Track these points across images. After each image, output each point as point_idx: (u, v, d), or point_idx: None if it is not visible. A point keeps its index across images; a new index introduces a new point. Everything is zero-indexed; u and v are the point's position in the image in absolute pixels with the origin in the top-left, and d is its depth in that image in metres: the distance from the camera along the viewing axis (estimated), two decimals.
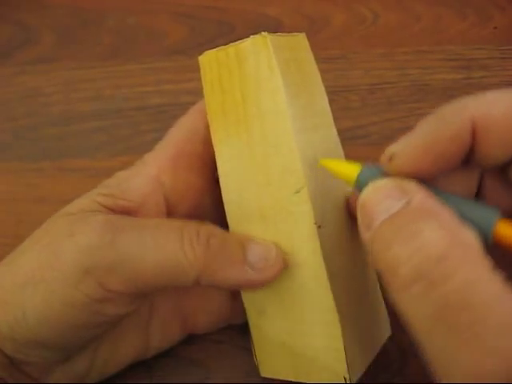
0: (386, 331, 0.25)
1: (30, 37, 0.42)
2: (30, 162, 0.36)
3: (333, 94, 0.37)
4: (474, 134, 0.18)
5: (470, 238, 0.16)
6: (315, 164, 0.22)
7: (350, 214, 0.24)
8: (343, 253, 0.23)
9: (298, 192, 0.21)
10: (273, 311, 0.23)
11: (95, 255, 0.21)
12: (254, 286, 0.22)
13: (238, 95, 0.23)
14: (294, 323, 0.23)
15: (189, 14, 0.43)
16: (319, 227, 0.21)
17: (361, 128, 0.36)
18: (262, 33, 0.22)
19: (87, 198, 0.24)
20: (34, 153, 0.37)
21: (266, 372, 0.24)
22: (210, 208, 0.23)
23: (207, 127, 0.24)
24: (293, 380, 0.23)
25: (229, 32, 0.41)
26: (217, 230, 0.23)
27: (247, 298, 0.24)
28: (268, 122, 0.22)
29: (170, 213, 0.25)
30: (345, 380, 0.22)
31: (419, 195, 0.17)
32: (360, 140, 0.35)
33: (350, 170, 0.20)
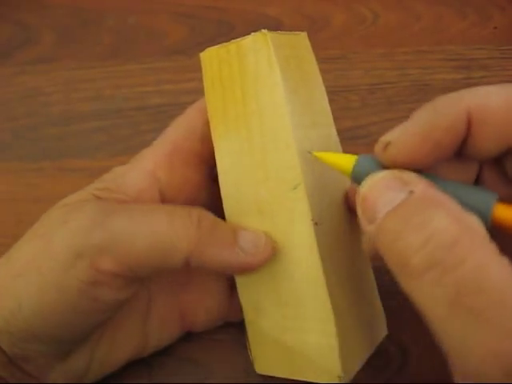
0: (382, 330, 0.25)
1: (30, 37, 0.42)
2: (30, 162, 0.36)
3: (333, 94, 0.37)
4: (469, 125, 0.18)
5: (475, 224, 0.16)
6: (313, 160, 0.22)
7: (349, 209, 0.24)
8: (340, 250, 0.23)
9: (295, 188, 0.22)
10: (268, 308, 0.23)
11: (86, 237, 0.21)
12: (245, 269, 0.22)
13: (237, 91, 0.23)
14: (289, 320, 0.23)
15: (189, 13, 0.43)
16: (316, 224, 0.21)
17: (361, 128, 0.36)
18: (263, 30, 0.22)
19: (83, 192, 0.24)
20: (33, 153, 0.37)
21: (261, 368, 0.25)
22: (206, 204, 0.23)
23: (205, 124, 0.24)
24: (287, 377, 0.24)
25: (229, 32, 0.41)
26: (209, 214, 0.23)
27: (243, 294, 0.24)
28: (267, 118, 0.22)
29: None
30: (339, 378, 0.22)
31: (421, 185, 0.17)
32: (360, 140, 0.35)
33: (346, 161, 0.20)
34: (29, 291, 0.21)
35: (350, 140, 0.35)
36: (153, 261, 0.22)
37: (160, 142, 0.26)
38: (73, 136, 0.37)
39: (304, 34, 0.25)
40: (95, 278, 0.21)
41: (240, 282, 0.24)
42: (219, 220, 0.23)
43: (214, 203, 0.24)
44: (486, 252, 0.15)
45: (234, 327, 0.28)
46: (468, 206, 0.17)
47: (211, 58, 0.24)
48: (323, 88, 0.25)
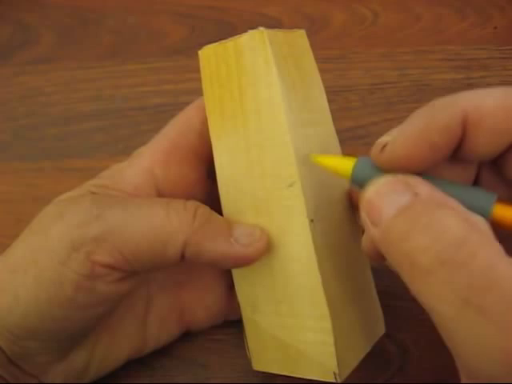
0: (379, 329, 0.25)
1: (29, 37, 0.42)
2: (30, 162, 0.36)
3: (333, 94, 0.37)
4: (464, 126, 0.18)
5: (482, 224, 0.16)
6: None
7: (350, 207, 0.24)
8: (338, 248, 0.23)
9: (290, 186, 0.22)
10: (265, 304, 0.24)
11: (82, 229, 0.21)
12: (240, 260, 0.23)
13: (235, 89, 0.23)
14: (286, 317, 0.23)
15: (189, 14, 0.43)
16: (312, 221, 0.22)
17: (361, 128, 0.36)
18: (260, 28, 0.22)
19: (80, 189, 0.24)
20: (34, 153, 0.37)
21: (258, 365, 0.25)
22: (204, 201, 0.24)
23: (203, 122, 0.25)
24: (284, 374, 0.24)
25: (229, 32, 0.41)
26: (204, 206, 0.23)
27: (241, 291, 0.25)
28: (264, 116, 0.22)
29: None
30: (334, 374, 0.22)
31: (426, 188, 0.17)
32: (360, 140, 0.35)
33: (344, 165, 0.20)
34: (26, 285, 0.21)
35: (349, 140, 0.35)
36: (149, 253, 0.22)
37: (157, 139, 0.26)
38: (73, 136, 0.37)
39: (302, 32, 0.25)
40: (92, 270, 0.21)
41: (237, 278, 0.25)
42: (214, 213, 0.23)
43: (211, 200, 0.24)
44: (494, 251, 0.15)
45: (233, 327, 0.28)
46: (467, 206, 0.17)
47: (209, 55, 0.24)
48: (322, 86, 0.25)
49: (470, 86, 0.37)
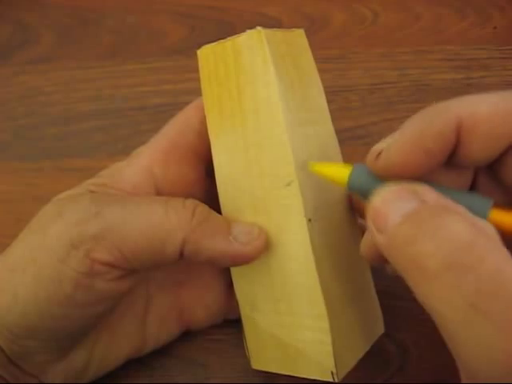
0: (379, 329, 0.26)
1: (29, 37, 0.42)
2: (30, 162, 0.36)
3: (332, 94, 0.37)
4: (459, 132, 0.18)
5: (489, 229, 0.16)
6: (308, 158, 0.22)
7: (350, 208, 0.24)
8: (336, 248, 0.23)
9: (288, 185, 0.22)
10: (264, 303, 0.24)
11: (81, 227, 0.21)
12: (238, 258, 0.23)
13: (233, 88, 0.23)
14: (284, 316, 0.23)
15: (189, 13, 0.43)
16: (309, 221, 0.22)
17: (361, 128, 0.36)
18: (258, 27, 0.22)
19: (79, 188, 0.24)
20: (33, 153, 0.37)
21: (257, 364, 0.25)
22: (203, 200, 0.24)
23: (202, 122, 0.25)
24: (283, 373, 0.24)
25: (229, 32, 0.41)
26: (203, 205, 0.23)
27: (239, 289, 0.25)
28: (262, 115, 0.22)
29: None
30: (332, 374, 0.22)
31: (433, 194, 0.17)
32: (360, 140, 0.35)
33: (341, 173, 0.21)
34: (25, 283, 0.21)
35: (349, 140, 0.35)
36: (148, 251, 0.22)
37: (157, 138, 0.26)
38: (73, 136, 0.37)
39: (301, 31, 0.25)
40: (90, 268, 0.21)
41: (236, 277, 0.25)
42: (213, 211, 0.23)
43: (210, 200, 0.24)
44: (502, 256, 0.15)
45: (233, 327, 0.28)
46: None
47: (208, 55, 0.24)
48: (320, 85, 0.25)
49: (469, 86, 0.37)
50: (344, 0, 0.42)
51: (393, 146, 0.19)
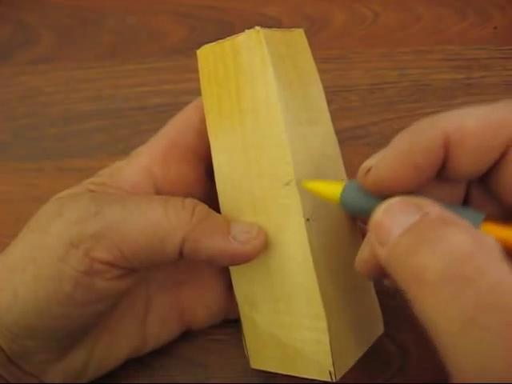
0: (378, 329, 0.26)
1: (30, 37, 0.42)
2: (30, 162, 0.36)
3: (333, 94, 0.37)
4: (447, 146, 0.18)
5: (491, 242, 0.16)
6: (307, 157, 0.22)
7: None
8: (335, 248, 0.23)
9: (287, 184, 0.22)
10: (263, 303, 0.24)
11: (81, 226, 0.21)
12: (238, 257, 0.23)
13: (232, 88, 0.23)
14: (283, 315, 0.23)
15: (189, 13, 0.43)
16: (308, 220, 0.22)
17: (361, 128, 0.36)
18: (256, 27, 0.22)
19: (78, 187, 0.24)
20: (34, 153, 0.37)
21: (256, 364, 0.25)
22: (202, 200, 0.24)
23: (201, 121, 0.25)
24: (282, 372, 0.24)
25: (229, 32, 0.41)
26: (202, 204, 0.23)
27: (238, 289, 0.25)
28: (261, 115, 0.22)
29: None
30: (330, 373, 0.22)
31: (436, 207, 0.17)
32: (360, 140, 0.35)
33: (333, 190, 0.21)
34: (25, 282, 0.21)
35: (349, 140, 0.35)
36: (147, 250, 0.22)
37: (156, 138, 0.26)
38: (73, 136, 0.37)
39: (300, 31, 0.25)
40: (90, 267, 0.21)
41: (235, 276, 0.25)
42: (212, 211, 0.23)
43: (210, 200, 0.24)
44: (503, 269, 0.15)
45: (233, 327, 0.28)
46: None
47: (207, 55, 0.24)
48: (320, 85, 0.25)
49: (469, 86, 0.37)
50: (344, 0, 0.42)
51: (382, 162, 0.19)
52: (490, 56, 0.39)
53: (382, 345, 0.27)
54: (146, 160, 0.25)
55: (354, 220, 0.25)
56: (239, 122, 0.23)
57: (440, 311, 0.15)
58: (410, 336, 0.28)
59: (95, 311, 0.23)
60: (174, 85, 0.39)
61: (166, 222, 0.22)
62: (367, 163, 0.20)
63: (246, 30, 0.22)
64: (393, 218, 0.17)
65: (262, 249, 0.22)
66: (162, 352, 0.27)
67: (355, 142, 0.35)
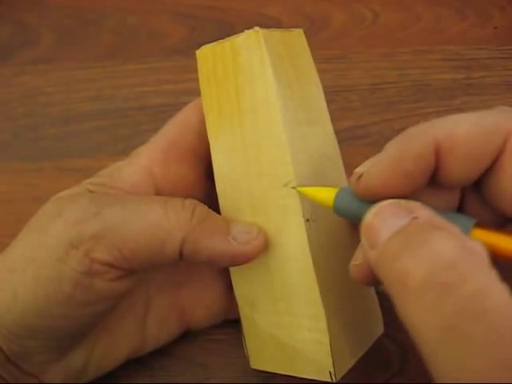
0: (378, 329, 0.26)
1: (30, 37, 0.42)
2: (30, 162, 0.36)
3: (333, 94, 0.37)
4: (438, 153, 0.18)
5: (478, 248, 0.16)
6: (307, 158, 0.22)
7: None
8: (335, 248, 0.23)
9: (286, 185, 0.22)
10: (263, 303, 0.24)
11: (81, 227, 0.21)
12: (237, 258, 0.23)
13: (231, 88, 0.23)
14: (283, 315, 0.23)
15: (189, 14, 0.43)
16: (307, 221, 0.22)
17: (361, 128, 0.36)
18: (255, 27, 0.22)
19: (78, 187, 0.24)
20: (33, 153, 0.37)
21: (256, 364, 0.25)
22: (202, 201, 0.24)
23: (201, 121, 0.25)
24: (282, 373, 0.24)
25: (229, 32, 0.41)
26: (202, 205, 0.23)
27: (238, 289, 0.25)
28: (260, 115, 0.22)
29: None
30: (330, 374, 0.22)
31: (425, 212, 0.17)
32: (360, 140, 0.35)
33: (327, 196, 0.21)
34: (24, 282, 0.21)
35: (349, 140, 0.35)
36: (147, 250, 0.22)
37: (156, 138, 0.26)
38: (73, 136, 0.37)
39: (299, 31, 0.25)
40: (90, 267, 0.21)
41: (235, 277, 0.25)
42: (212, 211, 0.23)
43: (209, 200, 0.24)
44: (487, 277, 0.15)
45: (233, 327, 0.28)
46: None
47: (207, 55, 0.24)
48: (319, 85, 0.25)
49: (469, 86, 0.37)
50: (344, 0, 0.42)
51: (373, 169, 0.19)
52: (490, 56, 0.39)
53: (382, 345, 0.27)
54: (146, 160, 0.25)
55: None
56: (238, 123, 0.23)
57: (421, 318, 0.15)
58: (410, 336, 0.28)
59: (95, 312, 0.23)
60: (173, 85, 0.39)
61: (165, 222, 0.22)
62: (359, 169, 0.20)
63: (246, 31, 0.22)
64: (383, 221, 0.17)
65: (261, 249, 0.22)
66: (162, 352, 0.27)
67: (355, 142, 0.35)
